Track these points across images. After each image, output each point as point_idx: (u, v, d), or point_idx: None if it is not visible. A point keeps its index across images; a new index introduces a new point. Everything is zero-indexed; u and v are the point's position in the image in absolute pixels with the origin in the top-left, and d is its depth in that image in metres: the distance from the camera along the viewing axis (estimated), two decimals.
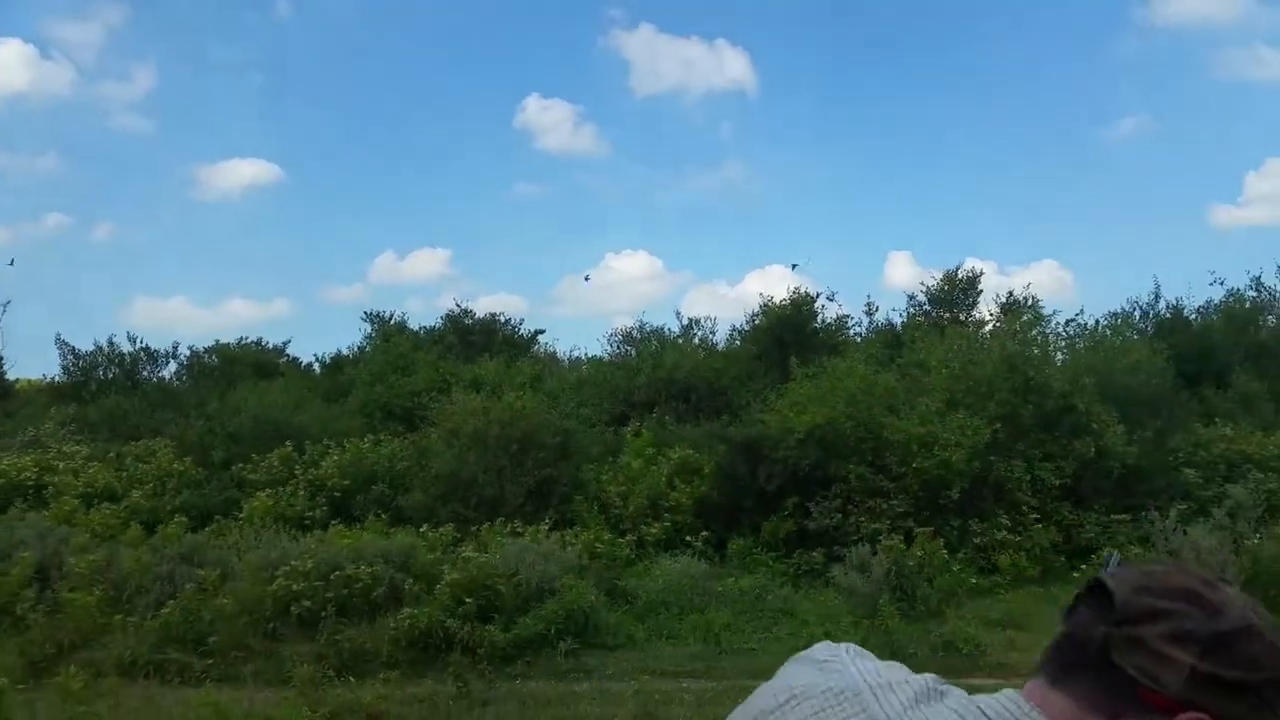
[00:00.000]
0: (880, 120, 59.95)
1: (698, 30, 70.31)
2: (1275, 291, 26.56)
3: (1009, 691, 1.21)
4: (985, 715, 1.18)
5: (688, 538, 15.99)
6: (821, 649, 1.33)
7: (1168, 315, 26.98)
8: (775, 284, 60.01)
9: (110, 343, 31.06)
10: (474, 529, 16.09)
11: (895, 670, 1.27)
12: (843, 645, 1.34)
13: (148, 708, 10.55)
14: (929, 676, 1.26)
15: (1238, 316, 25.89)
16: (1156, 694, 1.09)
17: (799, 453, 16.46)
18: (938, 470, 15.89)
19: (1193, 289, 42.99)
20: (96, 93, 58.09)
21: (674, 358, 23.94)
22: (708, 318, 31.53)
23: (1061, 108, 59.43)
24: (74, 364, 30.78)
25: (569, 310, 53.11)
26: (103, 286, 56.60)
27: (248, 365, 30.24)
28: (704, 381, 22.73)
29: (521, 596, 12.99)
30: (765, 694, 1.28)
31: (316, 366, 32.82)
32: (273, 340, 34.09)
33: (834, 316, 26.91)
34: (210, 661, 11.89)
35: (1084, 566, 14.69)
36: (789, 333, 25.12)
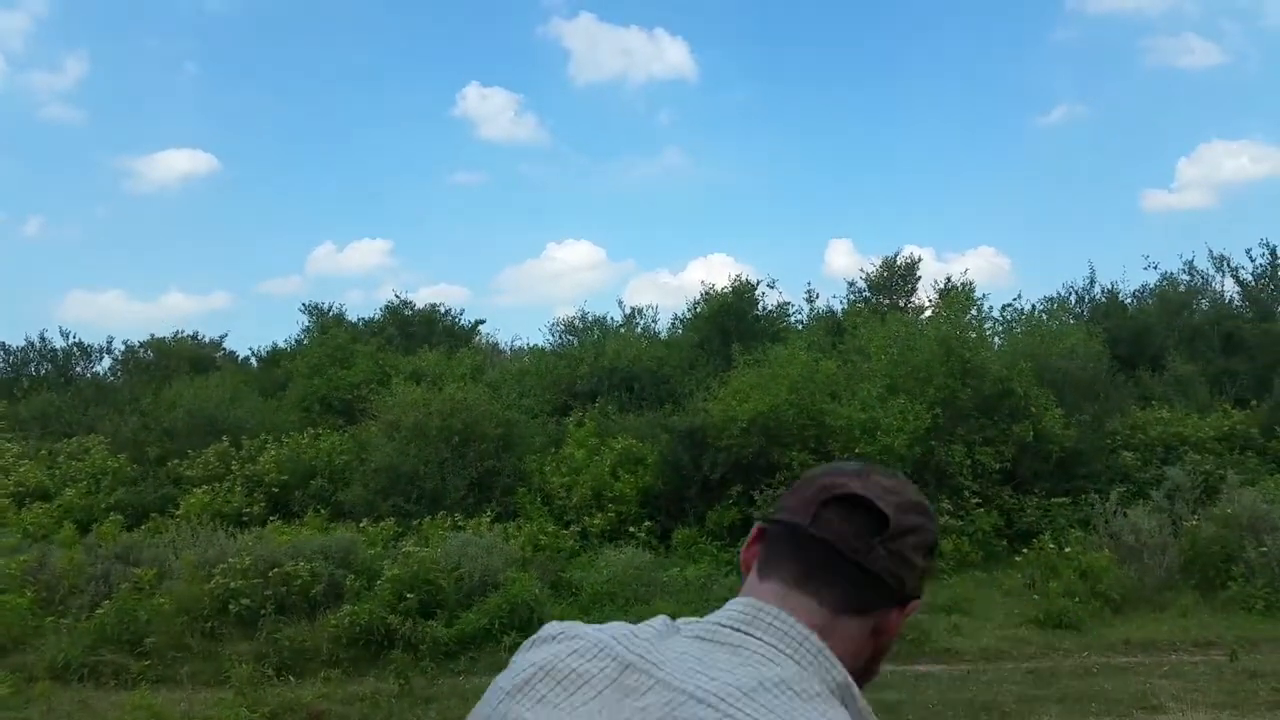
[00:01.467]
0: (819, 108, 60.40)
1: (637, 20, 70.16)
2: (1208, 275, 27.01)
3: (738, 599, 1.28)
4: (725, 626, 1.21)
5: (631, 528, 15.94)
6: (548, 627, 1.32)
7: (1103, 300, 27.38)
8: (717, 272, 60.41)
9: (42, 338, 30.57)
10: (415, 523, 15.94)
11: (626, 625, 1.28)
12: (569, 622, 1.34)
13: (81, 712, 10.34)
14: (662, 618, 1.28)
15: (1171, 300, 26.28)
16: (901, 593, 1.28)
17: (742, 441, 16.47)
18: (880, 456, 15.93)
19: (1127, 273, 44.02)
20: (26, 83, 56.84)
21: (616, 347, 23.85)
22: (650, 306, 31.70)
23: (997, 95, 60.10)
24: (4, 360, 30.20)
25: (511, 300, 52.91)
26: (36, 281, 55.42)
27: (184, 359, 29.81)
28: (647, 371, 22.68)
29: (464, 591, 12.86)
30: (504, 678, 1.27)
31: (254, 360, 32.41)
32: (210, 334, 33.67)
33: (775, 304, 27.03)
34: (147, 663, 11.63)
35: (1025, 550, 14.83)
36: (731, 320, 25.17)
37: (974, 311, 20.76)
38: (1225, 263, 26.52)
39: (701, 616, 1.27)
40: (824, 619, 1.23)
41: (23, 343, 30.40)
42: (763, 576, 1.29)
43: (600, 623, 1.26)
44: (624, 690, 1.14)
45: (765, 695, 1.09)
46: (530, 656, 1.26)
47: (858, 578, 1.25)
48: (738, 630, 1.20)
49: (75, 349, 30.87)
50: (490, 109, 61.62)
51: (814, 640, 1.19)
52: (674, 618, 1.29)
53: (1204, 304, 26.56)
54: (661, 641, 1.20)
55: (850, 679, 1.21)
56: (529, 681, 1.21)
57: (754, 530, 1.38)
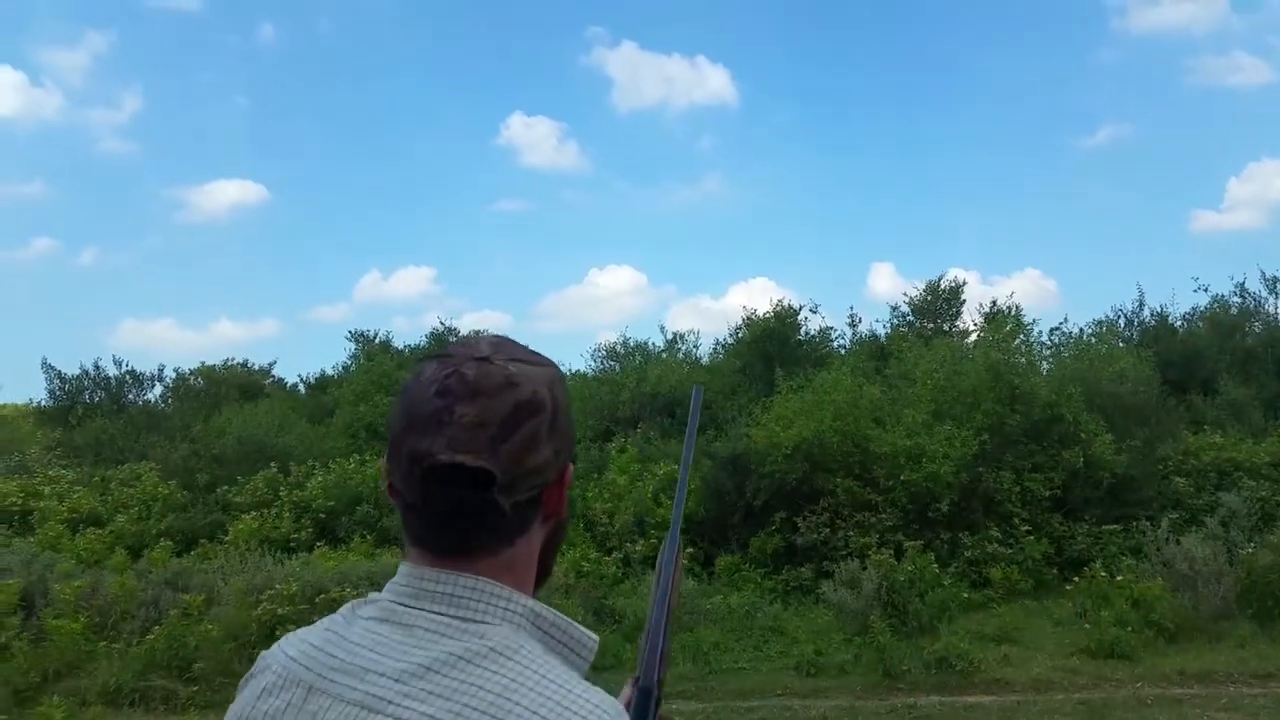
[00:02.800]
0: (861, 132, 60.08)
1: (678, 48, 70.50)
2: (1260, 297, 26.62)
3: (403, 565, 1.23)
4: (396, 603, 1.19)
5: None
6: (258, 661, 1.31)
7: (1152, 323, 27.01)
8: (759, 297, 60.31)
9: (96, 366, 30.97)
10: None
11: (324, 622, 1.27)
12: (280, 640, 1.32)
13: None
14: (349, 604, 1.27)
15: (1223, 323, 25.91)
16: (546, 488, 1.23)
17: (786, 467, 16.38)
18: (926, 483, 15.82)
19: (1177, 296, 43.29)
20: (84, 118, 58.05)
21: (658, 373, 23.88)
22: (691, 331, 31.66)
23: (1042, 117, 59.61)
24: (60, 388, 30.65)
25: (553, 326, 53.04)
26: (90, 310, 56.40)
27: (233, 387, 30.14)
28: (689, 396, 22.58)
29: None
30: None
31: (302, 387, 32.73)
32: (259, 361, 34.05)
33: (817, 329, 26.95)
34: (195, 688, 11.72)
35: (1076, 579, 14.63)
36: (773, 345, 25.10)
37: (1022, 336, 20.59)
38: (1278, 284, 26.14)
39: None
40: (490, 565, 1.19)
41: (77, 371, 30.87)
42: (410, 542, 1.23)
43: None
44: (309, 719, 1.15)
45: (433, 679, 1.09)
46: (237, 701, 1.28)
47: (498, 524, 1.19)
48: (407, 607, 1.18)
49: (128, 377, 31.27)
50: (533, 137, 62.09)
51: (483, 587, 1.17)
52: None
53: (1257, 326, 26.17)
54: (343, 638, 1.20)
55: (536, 604, 1.20)
56: None
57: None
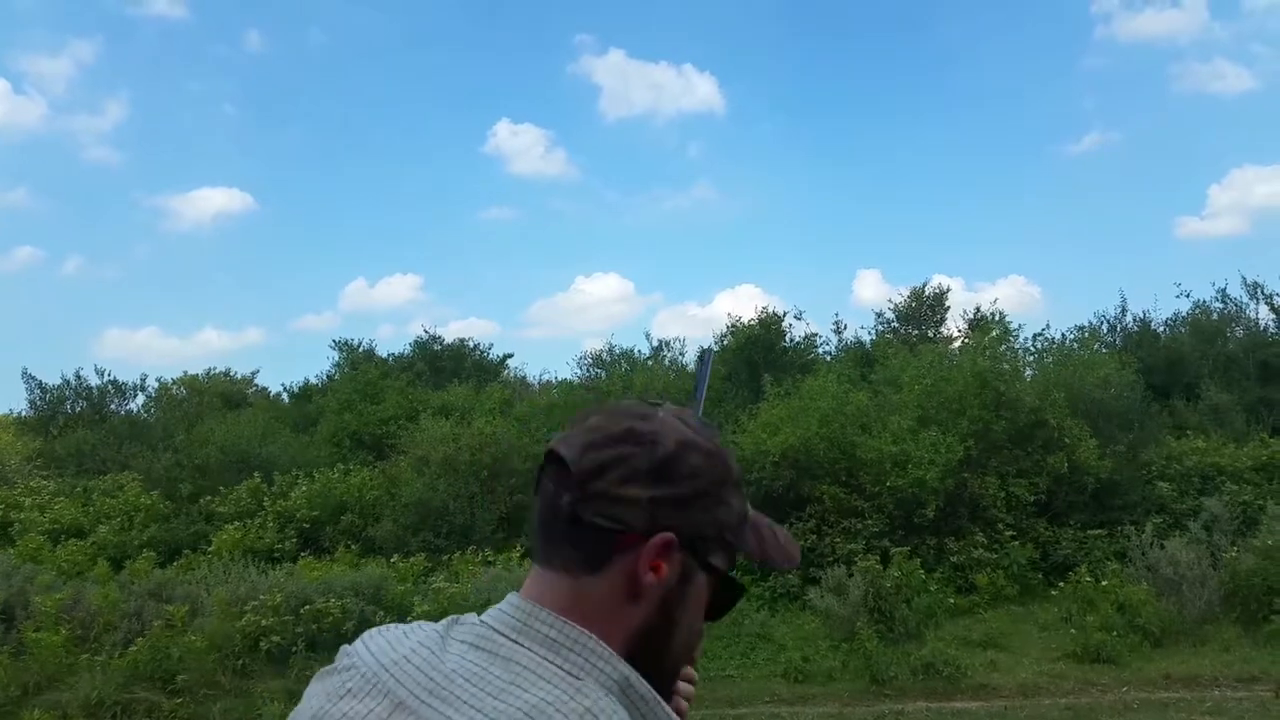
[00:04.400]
0: (847, 139, 60.10)
1: (666, 56, 70.41)
2: (1241, 303, 26.74)
3: (512, 595, 1.24)
4: (498, 633, 1.18)
5: None
6: (341, 652, 1.30)
7: (1135, 328, 27.10)
8: (745, 304, 60.43)
9: (77, 376, 30.73)
10: (445, 558, 15.93)
11: (416, 632, 1.25)
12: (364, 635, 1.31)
13: None
14: (444, 622, 1.26)
15: (1205, 328, 26.01)
16: (628, 534, 1.18)
17: (773, 474, 16.39)
18: (912, 489, 15.83)
19: (1159, 301, 43.52)
20: (68, 126, 57.76)
21: (644, 380, 23.84)
22: (677, 339, 31.64)
23: (1027, 124, 59.66)
24: (41, 398, 30.41)
25: (540, 333, 52.90)
26: (72, 319, 55.99)
27: (216, 396, 29.99)
28: (675, 403, 22.47)
29: None
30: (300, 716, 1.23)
31: (286, 396, 32.57)
32: (242, 370, 33.90)
33: (802, 335, 26.95)
34: (179, 700, 11.66)
35: (1061, 583, 14.67)
36: (758, 352, 25.08)
37: (1009, 343, 20.67)
38: (1259, 290, 26.26)
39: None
40: (568, 586, 1.20)
41: (59, 381, 30.66)
42: (533, 560, 1.27)
43: None
44: None
45: None
46: (312, 691, 1.26)
47: (570, 533, 1.20)
48: (509, 639, 1.17)
49: (110, 386, 31.08)
50: (521, 145, 61.91)
51: (586, 642, 1.16)
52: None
53: (1238, 332, 26.26)
54: (438, 658, 1.18)
55: (630, 672, 1.17)
56: None
57: None
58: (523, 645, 1.15)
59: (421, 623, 1.28)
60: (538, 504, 1.25)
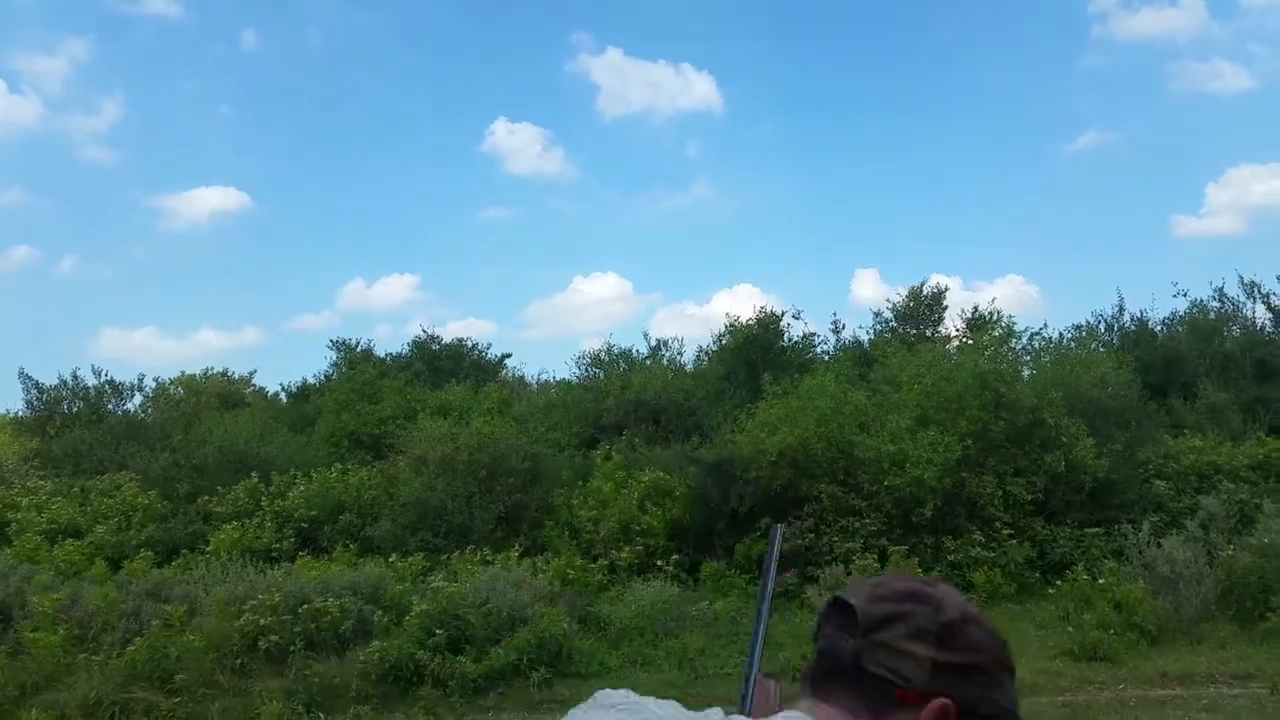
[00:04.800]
0: (845, 139, 60.11)
1: (664, 54, 70.17)
2: (1238, 302, 26.79)
3: (790, 712, 1.27)
4: None
5: (659, 562, 15.87)
6: (604, 695, 1.32)
7: (1132, 328, 27.15)
8: (743, 303, 60.43)
9: (74, 376, 30.71)
10: (444, 558, 15.94)
11: (680, 711, 1.29)
12: (624, 691, 1.34)
13: None
14: (718, 711, 1.29)
15: (1202, 328, 26.06)
16: (907, 690, 1.20)
17: (771, 473, 16.40)
18: (910, 488, 15.85)
19: (1156, 301, 43.52)
20: (64, 125, 57.68)
21: (642, 379, 23.87)
22: (675, 338, 31.64)
23: (1024, 123, 59.69)
24: (37, 398, 30.39)
25: (538, 333, 52.90)
26: (69, 320, 55.95)
27: (213, 396, 30.00)
28: (673, 403, 22.66)
29: (492, 626, 12.81)
30: None
31: (283, 396, 32.56)
32: (239, 370, 33.91)
33: (801, 335, 27.00)
34: (177, 700, 11.65)
35: (1058, 582, 14.69)
36: (756, 352, 25.13)
37: (1009, 344, 20.70)
38: (1256, 289, 26.34)
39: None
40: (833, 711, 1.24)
41: (55, 381, 30.64)
42: (803, 691, 1.31)
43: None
44: None
45: None
46: None
47: (852, 676, 1.24)
48: None
49: (107, 386, 31.07)
50: (518, 144, 61.77)
51: None
52: (727, 714, 1.30)
53: (1235, 331, 26.32)
54: None
55: None
56: None
57: None
58: None
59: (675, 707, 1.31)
60: (820, 645, 1.30)
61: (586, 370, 30.10)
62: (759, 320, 26.14)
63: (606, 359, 30.13)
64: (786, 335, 26.53)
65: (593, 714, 1.27)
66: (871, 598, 1.25)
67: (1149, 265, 53.21)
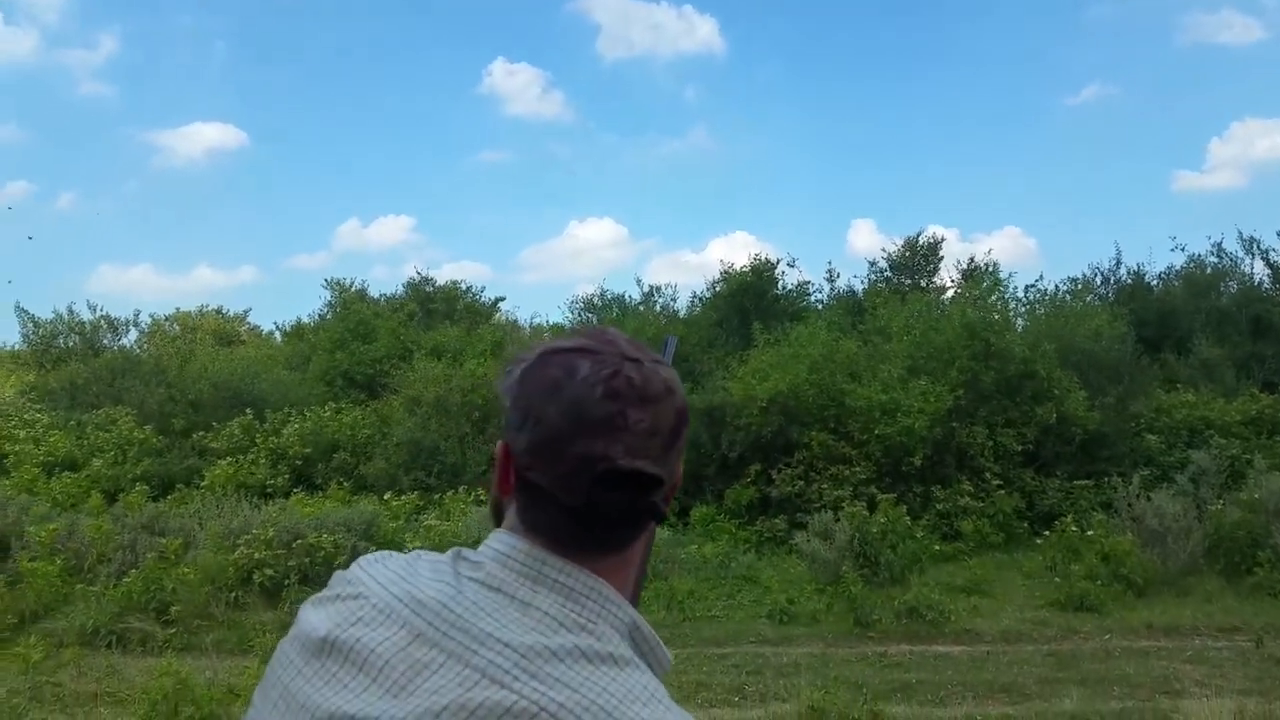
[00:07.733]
0: (845, 87, 59.88)
1: None
2: (1236, 257, 26.74)
3: (515, 541, 1.20)
4: (513, 575, 1.17)
5: None
6: (335, 580, 1.28)
7: (1128, 281, 27.13)
8: (738, 251, 60.33)
9: (70, 311, 30.80)
10: (437, 497, 16.05)
11: (422, 564, 1.23)
12: (380, 553, 1.30)
13: (110, 676, 10.47)
14: (449, 555, 1.23)
15: (1198, 283, 26.04)
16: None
17: (761, 420, 16.49)
18: (900, 437, 15.94)
19: (1154, 255, 43.54)
20: (60, 60, 57.19)
21: (635, 325, 23.88)
22: (668, 285, 31.69)
23: (1026, 75, 59.41)
24: (34, 332, 30.48)
25: (533, 278, 52.99)
26: (66, 255, 55.85)
27: (208, 333, 30.03)
28: (662, 347, 22.63)
29: None
30: (291, 645, 1.21)
31: (278, 334, 32.61)
32: (235, 308, 33.95)
33: (795, 283, 27.00)
34: (172, 631, 11.75)
35: (1046, 533, 14.81)
36: (750, 300, 25.14)
37: (999, 294, 20.68)
38: (1255, 245, 26.26)
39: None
40: (610, 563, 1.20)
41: (51, 316, 30.67)
42: (527, 525, 1.21)
43: None
44: (414, 667, 1.08)
45: (557, 666, 1.06)
46: (316, 618, 1.20)
47: (644, 529, 1.24)
48: (524, 584, 1.15)
49: (103, 321, 31.12)
50: (517, 85, 61.53)
51: (601, 589, 1.17)
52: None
53: (1232, 286, 26.28)
54: (459, 595, 1.14)
55: (636, 616, 1.19)
56: (318, 655, 1.15)
57: (502, 453, 1.30)
58: (539, 590, 1.15)
59: (422, 553, 1.26)
60: (586, 509, 1.17)
61: (580, 315, 30.11)
62: (753, 268, 26.13)
63: (600, 304, 30.13)
64: (781, 284, 26.54)
65: (325, 606, 1.22)
66: (661, 456, 1.20)
67: (1148, 220, 53.29)
